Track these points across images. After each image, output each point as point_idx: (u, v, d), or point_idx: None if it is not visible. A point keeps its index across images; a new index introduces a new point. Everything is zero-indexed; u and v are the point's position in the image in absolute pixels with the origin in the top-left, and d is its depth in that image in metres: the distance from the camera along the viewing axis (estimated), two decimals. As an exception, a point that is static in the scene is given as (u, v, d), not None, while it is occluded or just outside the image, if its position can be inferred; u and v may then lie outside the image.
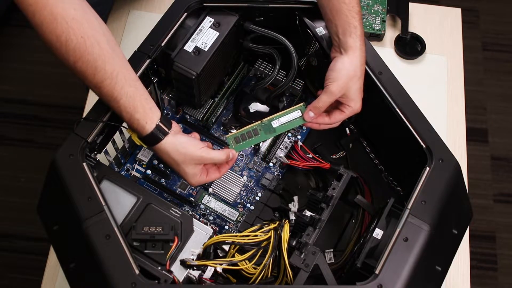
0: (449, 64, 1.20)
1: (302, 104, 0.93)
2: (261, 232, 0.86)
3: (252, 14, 0.98)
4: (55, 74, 1.89)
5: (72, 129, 0.85)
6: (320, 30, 0.95)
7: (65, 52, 0.77)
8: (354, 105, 0.91)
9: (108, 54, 0.79)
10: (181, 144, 0.85)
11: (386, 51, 1.20)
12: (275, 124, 0.92)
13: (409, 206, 0.81)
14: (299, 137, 1.05)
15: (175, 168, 0.87)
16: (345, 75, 0.87)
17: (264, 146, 1.02)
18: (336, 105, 0.92)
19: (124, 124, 0.92)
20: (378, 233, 0.85)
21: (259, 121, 0.92)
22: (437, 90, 1.17)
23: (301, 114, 0.92)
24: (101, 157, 0.91)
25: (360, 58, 0.88)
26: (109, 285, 0.74)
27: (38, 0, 0.74)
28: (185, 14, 0.94)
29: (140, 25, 1.19)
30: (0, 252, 1.67)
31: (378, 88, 0.90)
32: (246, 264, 0.86)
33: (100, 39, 0.78)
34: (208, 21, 0.95)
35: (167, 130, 0.84)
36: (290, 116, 0.92)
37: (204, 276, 0.83)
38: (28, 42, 1.93)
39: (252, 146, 1.02)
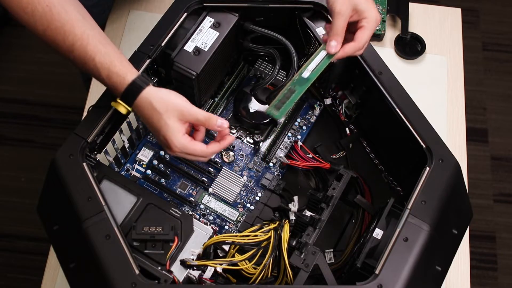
0: (449, 64, 1.20)
1: (322, 45, 0.88)
2: (261, 232, 0.86)
3: (252, 14, 0.98)
4: (55, 74, 1.90)
5: (72, 129, 0.85)
6: (320, 30, 0.95)
7: (33, 23, 0.77)
8: (370, 14, 0.84)
9: (76, 19, 0.79)
10: (164, 93, 0.81)
11: (386, 51, 1.20)
12: (306, 74, 0.86)
13: (409, 206, 0.81)
14: (299, 137, 1.05)
15: (156, 123, 0.80)
16: None
17: (264, 146, 1.03)
18: (355, 26, 0.86)
19: (125, 125, 0.92)
20: (378, 233, 0.85)
21: (291, 79, 0.87)
22: (437, 90, 1.17)
23: (326, 53, 0.87)
24: (101, 157, 0.91)
25: None
26: (109, 285, 0.74)
27: None
28: (185, 14, 0.94)
29: (140, 25, 1.19)
30: (0, 252, 1.67)
31: (378, 88, 0.90)
32: (246, 264, 0.86)
33: (68, 7, 0.78)
34: (208, 21, 0.95)
35: (148, 81, 0.81)
36: (317, 60, 0.87)
37: (204, 276, 0.83)
38: (28, 42, 1.94)
39: (252, 146, 1.02)
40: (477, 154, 1.85)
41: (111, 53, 0.80)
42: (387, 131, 0.96)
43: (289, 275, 0.84)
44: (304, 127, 1.06)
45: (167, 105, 0.79)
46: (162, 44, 0.91)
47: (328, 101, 1.05)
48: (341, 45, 0.85)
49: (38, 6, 0.77)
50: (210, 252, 0.85)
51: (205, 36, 0.93)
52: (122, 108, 0.82)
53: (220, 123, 0.82)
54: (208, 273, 0.83)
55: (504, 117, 1.92)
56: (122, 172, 0.99)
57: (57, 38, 0.78)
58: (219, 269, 0.84)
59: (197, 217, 0.97)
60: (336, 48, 0.85)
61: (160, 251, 0.82)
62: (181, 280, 0.81)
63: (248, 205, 0.98)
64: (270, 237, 0.85)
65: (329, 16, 0.90)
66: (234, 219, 0.97)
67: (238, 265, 0.86)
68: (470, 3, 2.07)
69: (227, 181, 1.00)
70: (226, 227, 0.97)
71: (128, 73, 0.80)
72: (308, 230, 0.86)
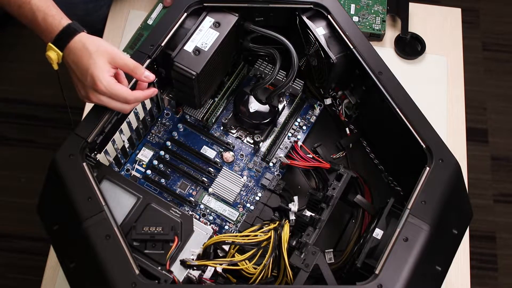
0: (449, 64, 1.20)
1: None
2: (261, 232, 0.86)
3: (252, 14, 0.98)
4: (55, 74, 1.89)
5: (72, 129, 0.85)
6: (320, 30, 0.95)
7: None
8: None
9: None
10: (97, 38, 0.82)
11: (386, 51, 1.20)
12: (150, 21, 1.09)
13: (409, 206, 0.81)
14: (299, 137, 1.05)
15: (85, 63, 0.79)
16: None
17: (264, 146, 1.03)
18: None
19: (125, 125, 0.92)
20: (378, 233, 0.85)
21: (139, 26, 1.04)
22: (437, 90, 1.17)
23: (162, 6, 1.11)
24: (101, 157, 0.91)
25: None
26: (109, 285, 0.74)
27: None
28: (185, 14, 0.94)
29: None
30: (0, 252, 1.67)
31: (378, 88, 0.90)
32: (246, 264, 0.86)
33: None
34: (208, 21, 0.95)
35: (83, 28, 0.82)
36: (157, 10, 1.11)
37: (204, 276, 0.83)
38: (28, 42, 1.93)
39: (252, 146, 1.03)
40: (477, 154, 1.85)
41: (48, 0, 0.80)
42: (387, 131, 0.96)
43: (289, 275, 0.84)
44: (304, 127, 1.06)
45: (99, 46, 0.80)
46: (162, 44, 0.91)
47: (328, 101, 1.05)
48: None
49: None
50: (210, 252, 0.85)
51: (205, 36, 0.93)
52: (53, 53, 0.81)
53: (147, 73, 0.84)
54: (208, 273, 0.83)
55: (504, 117, 1.92)
56: (122, 172, 0.99)
57: None
58: (219, 269, 0.84)
59: (197, 217, 0.97)
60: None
61: (160, 251, 0.82)
62: (181, 280, 0.81)
63: (248, 205, 0.98)
64: (270, 237, 0.85)
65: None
66: (234, 219, 0.97)
67: (238, 265, 0.86)
68: (470, 3, 2.07)
69: (227, 181, 1.00)
70: (226, 227, 0.97)
71: (63, 18, 0.81)
72: (308, 230, 0.86)
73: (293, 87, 1.05)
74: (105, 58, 0.80)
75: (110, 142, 0.92)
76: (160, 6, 1.18)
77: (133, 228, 0.82)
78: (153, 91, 0.87)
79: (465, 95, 1.17)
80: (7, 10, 0.81)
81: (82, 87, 0.82)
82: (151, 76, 0.84)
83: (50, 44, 0.81)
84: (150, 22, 1.17)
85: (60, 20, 0.80)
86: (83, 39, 0.81)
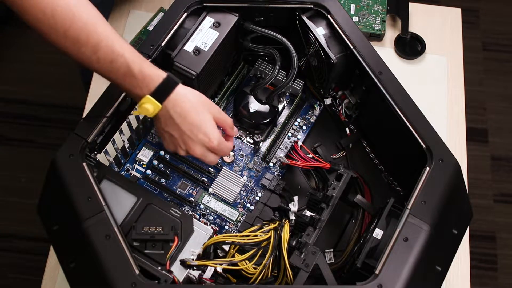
0: (449, 64, 1.20)
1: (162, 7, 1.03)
2: (261, 232, 0.86)
3: (252, 14, 0.98)
4: (55, 74, 1.89)
5: (72, 129, 0.85)
6: (320, 30, 0.95)
7: (54, 24, 0.75)
8: None
9: (98, 17, 0.78)
10: (197, 92, 0.82)
11: (386, 51, 1.20)
12: (150, 27, 1.06)
13: (409, 206, 0.81)
14: (299, 137, 1.05)
15: (194, 117, 0.79)
16: None
17: (264, 146, 1.03)
18: None
19: (125, 125, 0.92)
20: (378, 233, 0.85)
21: (140, 31, 1.01)
22: (437, 90, 1.17)
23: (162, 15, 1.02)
24: (101, 157, 0.91)
25: None
26: (109, 285, 0.74)
27: None
28: (185, 14, 0.94)
29: (140, 25, 1.19)
30: (0, 252, 1.67)
31: (378, 88, 0.90)
32: (246, 264, 0.86)
33: (87, 6, 0.78)
34: (208, 21, 0.95)
35: (179, 80, 0.81)
36: (158, 18, 1.08)
37: (204, 276, 0.83)
38: (28, 42, 1.93)
39: (252, 146, 1.02)
40: (477, 154, 1.85)
41: (137, 52, 0.79)
42: (387, 131, 0.96)
43: (289, 275, 0.84)
44: (304, 127, 1.06)
45: (203, 103, 0.81)
46: (162, 44, 0.91)
47: (328, 101, 1.05)
48: None
49: (58, 7, 0.75)
50: (210, 252, 0.85)
51: (205, 36, 0.93)
52: (151, 105, 0.79)
53: (235, 130, 0.89)
54: (208, 273, 0.83)
55: (504, 117, 1.92)
56: (122, 172, 0.99)
57: (81, 38, 0.76)
58: (219, 269, 0.84)
59: (197, 217, 0.97)
60: None
61: (160, 251, 0.82)
62: (181, 280, 0.81)
63: (248, 205, 0.98)
64: (270, 237, 0.85)
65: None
66: (234, 219, 0.97)
67: (238, 265, 0.86)
68: (470, 3, 2.07)
69: (227, 181, 1.00)
70: (226, 227, 0.97)
71: (159, 69, 0.79)
72: (308, 230, 0.86)
73: (293, 87, 1.05)
74: (211, 115, 0.81)
75: (110, 142, 0.92)
76: (161, 14, 1.15)
77: (133, 228, 0.82)
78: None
79: (465, 95, 1.17)
80: (94, 68, 0.79)
81: (185, 141, 0.82)
82: (237, 131, 0.89)
83: (148, 96, 0.78)
84: (150, 28, 1.14)
85: (157, 71, 0.79)
86: (186, 92, 0.80)
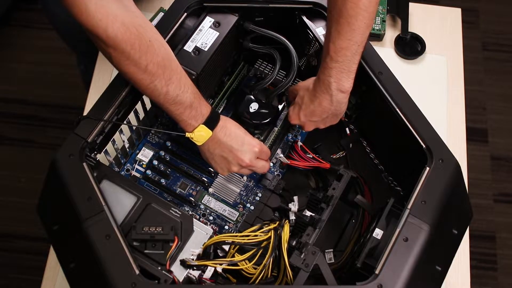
0: (449, 64, 1.20)
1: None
2: (261, 232, 0.86)
3: (252, 14, 0.98)
4: (55, 74, 1.89)
5: (72, 129, 0.85)
6: (320, 30, 0.95)
7: (138, 57, 0.80)
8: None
9: (170, 53, 0.85)
10: (235, 124, 0.92)
11: (386, 51, 1.20)
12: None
13: (409, 206, 0.81)
14: (299, 137, 1.05)
15: (240, 140, 0.90)
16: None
17: (264, 146, 1.03)
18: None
19: (125, 126, 0.92)
20: (378, 233, 0.85)
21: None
22: (437, 90, 1.17)
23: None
24: (101, 157, 0.91)
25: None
26: (109, 285, 0.74)
27: (108, 13, 0.76)
28: (185, 14, 0.94)
29: (140, 25, 1.19)
30: (0, 252, 1.67)
31: (378, 88, 0.90)
32: (246, 264, 0.86)
33: (162, 42, 0.84)
34: (208, 21, 0.95)
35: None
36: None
37: (204, 276, 0.83)
38: (28, 42, 1.93)
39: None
40: (477, 154, 1.85)
41: (194, 84, 0.87)
42: (387, 131, 0.96)
43: (289, 275, 0.84)
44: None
45: (246, 132, 0.92)
46: (162, 44, 0.91)
47: (328, 101, 1.05)
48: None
49: (143, 41, 0.79)
50: (210, 252, 0.85)
51: (205, 36, 0.93)
52: (205, 133, 0.88)
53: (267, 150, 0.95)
54: (208, 273, 0.83)
55: (504, 117, 1.92)
56: (122, 172, 0.99)
57: (158, 72, 0.82)
58: (219, 269, 0.84)
59: (197, 217, 0.97)
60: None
61: (160, 251, 0.82)
62: (181, 280, 0.81)
63: (248, 205, 0.98)
64: (270, 237, 0.85)
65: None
66: (234, 219, 0.97)
67: (238, 265, 0.86)
68: (470, 3, 2.07)
69: (227, 181, 1.00)
70: (226, 227, 0.97)
71: (205, 100, 0.89)
72: (308, 230, 0.86)
73: (293, 87, 1.05)
74: (251, 143, 0.92)
75: (110, 142, 0.92)
76: (161, 14, 1.15)
77: (133, 228, 0.82)
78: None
79: (465, 95, 1.17)
80: (160, 99, 0.85)
81: (234, 154, 0.91)
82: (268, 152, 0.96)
83: (202, 125, 0.87)
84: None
85: (206, 103, 0.88)
86: (226, 119, 0.91)
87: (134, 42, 0.78)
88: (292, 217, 0.94)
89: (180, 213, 0.85)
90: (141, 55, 0.79)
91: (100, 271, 0.75)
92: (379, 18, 1.20)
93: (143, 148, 1.00)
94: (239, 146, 0.90)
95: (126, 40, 0.78)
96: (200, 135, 0.88)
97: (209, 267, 0.83)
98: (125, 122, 0.92)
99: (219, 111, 1.05)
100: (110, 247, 0.76)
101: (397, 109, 0.89)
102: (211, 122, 0.88)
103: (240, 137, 0.91)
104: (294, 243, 0.85)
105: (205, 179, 0.99)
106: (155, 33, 0.83)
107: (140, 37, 0.79)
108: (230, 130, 0.90)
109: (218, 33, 0.94)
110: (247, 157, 0.91)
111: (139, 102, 0.95)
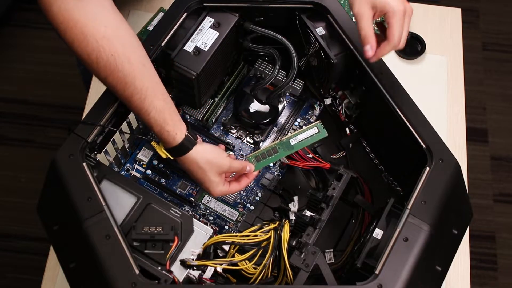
0: (449, 64, 1.20)
1: (318, 122, 0.95)
2: (261, 232, 0.86)
3: (252, 14, 0.98)
4: (55, 74, 1.89)
5: (70, 130, 0.85)
6: (320, 30, 0.95)
7: (96, 69, 0.79)
8: (389, 7, 0.80)
9: (138, 70, 0.81)
10: (208, 153, 0.88)
11: (386, 51, 1.20)
12: (293, 141, 0.94)
13: (409, 206, 0.81)
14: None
15: (201, 177, 0.88)
16: None
17: (264, 146, 1.02)
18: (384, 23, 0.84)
19: (125, 125, 0.92)
20: (378, 233, 0.85)
21: (278, 140, 0.94)
22: (437, 90, 1.17)
23: (318, 131, 0.94)
24: (101, 157, 0.91)
25: None
26: (109, 285, 0.74)
27: (69, 18, 0.75)
28: (185, 14, 0.94)
29: (140, 25, 1.19)
30: (0, 252, 1.67)
31: (378, 88, 0.90)
32: (246, 264, 0.86)
33: (131, 56, 0.80)
34: (208, 21, 0.95)
35: (194, 140, 0.87)
36: (308, 133, 0.94)
37: (204, 276, 0.83)
38: (28, 42, 1.93)
39: (252, 146, 1.02)
40: (477, 154, 1.85)
41: (165, 110, 0.84)
42: (387, 131, 0.96)
43: (289, 275, 0.84)
44: (304, 127, 1.05)
45: (211, 165, 0.88)
46: (162, 44, 0.91)
47: (328, 101, 1.05)
48: (375, 45, 0.83)
49: (103, 54, 0.78)
50: (210, 252, 0.85)
51: (205, 36, 0.93)
52: (164, 155, 0.87)
53: (248, 169, 0.92)
54: (208, 273, 0.83)
55: (504, 117, 1.92)
56: (122, 172, 0.99)
57: (118, 87, 0.81)
58: (219, 269, 0.84)
59: (197, 217, 0.97)
60: (371, 52, 0.82)
61: (160, 251, 0.82)
62: (181, 280, 0.81)
63: (248, 205, 0.98)
64: (270, 237, 0.85)
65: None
66: (234, 219, 0.97)
67: (238, 265, 0.86)
68: (470, 3, 2.07)
69: (227, 181, 1.00)
70: (226, 227, 0.97)
71: (178, 133, 0.85)
72: (308, 230, 0.86)
73: (293, 87, 1.05)
74: (217, 172, 0.88)
75: (110, 142, 0.92)
76: (161, 14, 1.15)
77: (133, 228, 0.82)
78: (251, 173, 0.93)
79: (465, 95, 1.17)
80: (133, 111, 0.85)
81: (200, 185, 0.92)
82: (253, 168, 0.93)
83: (163, 150, 0.88)
84: (150, 28, 1.14)
85: (174, 136, 0.85)
86: (196, 157, 0.87)
87: (90, 53, 0.77)
88: (292, 217, 0.94)
89: (180, 213, 0.85)
90: (98, 67, 0.79)
91: (100, 271, 0.75)
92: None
93: (143, 148, 1.00)
94: (198, 182, 0.90)
95: (83, 48, 0.77)
96: (161, 153, 0.88)
97: (209, 267, 0.83)
98: (125, 121, 0.92)
99: (219, 111, 1.05)
100: (110, 247, 0.76)
101: (397, 109, 0.88)
102: (174, 153, 0.87)
103: (199, 179, 0.89)
104: (294, 243, 0.85)
105: (205, 179, 0.99)
106: (124, 48, 0.79)
107: (99, 50, 0.77)
108: (191, 170, 0.89)
109: (218, 33, 0.94)
110: (217, 190, 0.90)
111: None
